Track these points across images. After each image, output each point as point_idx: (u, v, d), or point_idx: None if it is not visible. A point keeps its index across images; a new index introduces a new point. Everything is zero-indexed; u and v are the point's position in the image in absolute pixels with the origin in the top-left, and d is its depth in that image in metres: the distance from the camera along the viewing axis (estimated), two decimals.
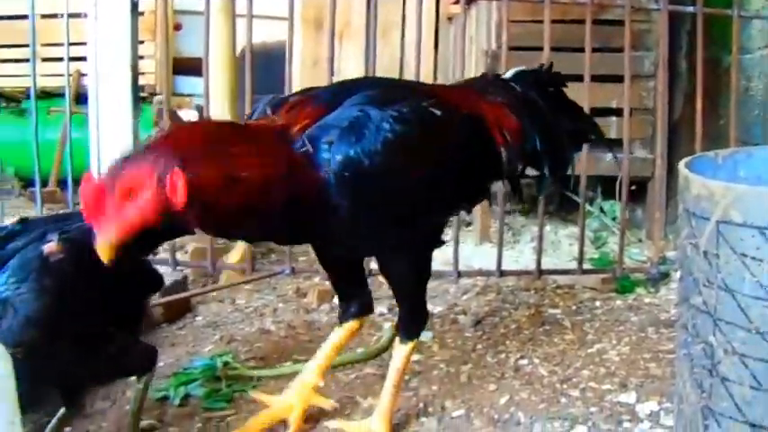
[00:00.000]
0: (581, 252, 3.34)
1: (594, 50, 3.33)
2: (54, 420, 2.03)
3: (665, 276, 3.35)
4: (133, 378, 2.10)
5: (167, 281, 2.97)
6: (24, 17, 3.52)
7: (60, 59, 4.25)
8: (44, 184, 4.30)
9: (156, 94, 5.78)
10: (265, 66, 3.50)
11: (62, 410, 2.04)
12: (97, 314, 1.88)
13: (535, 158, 2.18)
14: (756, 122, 3.39)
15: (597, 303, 3.17)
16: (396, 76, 3.66)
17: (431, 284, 2.19)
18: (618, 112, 3.73)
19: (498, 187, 2.85)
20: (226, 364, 2.49)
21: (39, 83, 3.56)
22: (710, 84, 3.38)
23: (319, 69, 4.53)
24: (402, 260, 2.01)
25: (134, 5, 3.28)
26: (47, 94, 5.36)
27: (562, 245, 4.06)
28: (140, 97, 3.75)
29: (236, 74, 3.66)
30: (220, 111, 3.55)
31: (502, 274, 3.30)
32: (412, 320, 2.11)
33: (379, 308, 3.00)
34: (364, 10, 3.33)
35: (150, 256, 2.63)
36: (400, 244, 1.96)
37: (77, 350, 1.82)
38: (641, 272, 3.41)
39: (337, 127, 1.77)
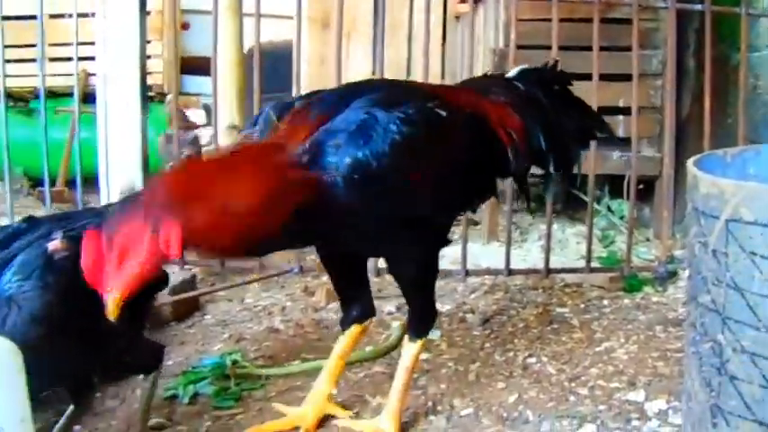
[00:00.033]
0: (589, 251, 3.34)
1: (602, 49, 3.33)
2: (63, 418, 2.04)
3: (673, 275, 3.34)
4: (140, 376, 2.11)
5: (176, 280, 3.00)
6: (32, 17, 3.52)
7: (68, 59, 4.27)
8: (52, 183, 4.31)
9: (164, 94, 5.80)
10: (273, 65, 3.51)
11: (71, 408, 2.05)
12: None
13: (540, 157, 2.18)
14: (765, 120, 3.38)
15: (605, 302, 3.16)
16: (403, 74, 3.66)
17: (439, 283, 2.19)
18: (626, 111, 3.73)
19: (506, 186, 2.85)
20: (234, 362, 2.50)
21: (46, 83, 3.57)
22: (718, 82, 3.38)
23: (326, 68, 4.53)
24: (410, 259, 2.02)
25: (142, 5, 3.29)
26: (54, 94, 5.37)
27: (570, 243, 4.06)
28: (148, 97, 3.76)
29: (244, 73, 3.67)
30: (228, 110, 3.56)
31: (510, 272, 3.31)
32: (421, 319, 2.11)
33: (388, 306, 3.00)
34: (371, 9, 3.34)
35: None
36: (408, 244, 1.96)
37: (82, 347, 1.83)
38: (649, 270, 3.40)
39: (345, 130, 1.77)
